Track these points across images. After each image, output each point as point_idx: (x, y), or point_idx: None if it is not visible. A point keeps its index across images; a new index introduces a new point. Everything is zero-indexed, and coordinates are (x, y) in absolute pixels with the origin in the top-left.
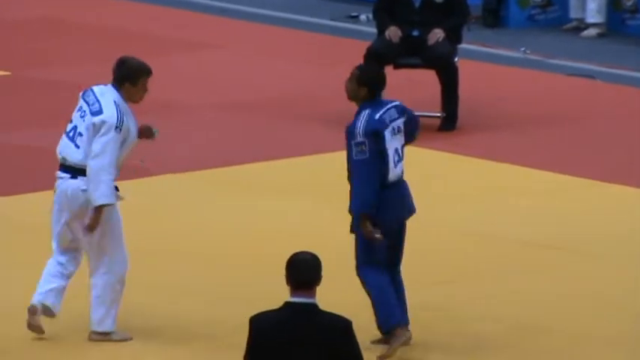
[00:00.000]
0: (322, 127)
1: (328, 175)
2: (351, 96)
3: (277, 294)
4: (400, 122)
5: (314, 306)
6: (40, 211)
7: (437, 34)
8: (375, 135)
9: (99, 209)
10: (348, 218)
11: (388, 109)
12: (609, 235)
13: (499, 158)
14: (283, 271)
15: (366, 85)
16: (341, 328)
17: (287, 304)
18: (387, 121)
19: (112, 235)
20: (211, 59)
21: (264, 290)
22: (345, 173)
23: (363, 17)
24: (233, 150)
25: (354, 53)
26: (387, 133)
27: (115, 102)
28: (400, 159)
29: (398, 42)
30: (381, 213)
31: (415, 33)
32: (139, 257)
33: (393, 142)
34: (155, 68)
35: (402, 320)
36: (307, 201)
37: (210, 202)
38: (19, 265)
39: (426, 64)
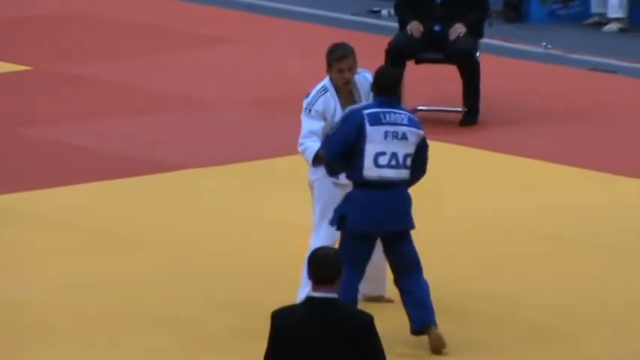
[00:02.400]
0: None
1: None
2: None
3: (294, 287)
4: (409, 131)
5: (336, 300)
6: (61, 205)
7: (458, 29)
8: (351, 119)
9: None
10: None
11: (396, 113)
12: (630, 229)
13: (520, 153)
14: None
15: (375, 83)
16: (363, 322)
17: (309, 298)
18: (383, 120)
19: None
20: (233, 55)
21: (287, 281)
22: None
23: (384, 12)
24: (256, 145)
25: (375, 48)
26: (376, 130)
27: (318, 86)
28: (399, 166)
29: (419, 37)
30: (350, 210)
31: (437, 28)
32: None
33: (385, 144)
34: (177, 64)
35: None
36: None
37: (235, 196)
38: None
39: (448, 59)
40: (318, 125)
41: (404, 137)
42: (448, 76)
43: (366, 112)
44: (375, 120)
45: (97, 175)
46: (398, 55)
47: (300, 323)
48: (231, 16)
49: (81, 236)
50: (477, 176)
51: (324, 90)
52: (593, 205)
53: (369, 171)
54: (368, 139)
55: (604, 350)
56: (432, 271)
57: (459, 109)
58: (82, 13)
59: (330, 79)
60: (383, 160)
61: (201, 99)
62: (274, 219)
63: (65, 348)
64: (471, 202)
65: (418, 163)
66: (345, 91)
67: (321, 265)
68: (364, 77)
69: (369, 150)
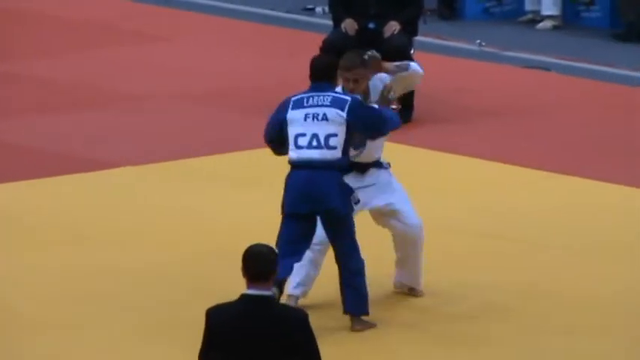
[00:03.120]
0: None
1: (281, 168)
2: None
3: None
4: (329, 112)
5: (270, 298)
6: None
7: (392, 27)
8: (282, 105)
9: None
10: None
11: (321, 95)
12: (565, 227)
13: (455, 150)
14: (240, 263)
15: (309, 71)
16: (297, 320)
17: (243, 296)
18: (305, 104)
19: None
20: (168, 52)
21: (222, 282)
22: None
23: (318, 10)
24: (184, 142)
25: (310, 46)
26: (296, 114)
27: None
28: (320, 146)
29: (354, 34)
30: (285, 191)
31: (371, 25)
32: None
33: (305, 126)
34: (103, 60)
35: None
36: (262, 193)
37: (164, 195)
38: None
39: (382, 57)
40: None
41: (324, 118)
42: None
43: (293, 98)
44: (298, 104)
45: (32, 173)
46: (332, 52)
47: (235, 321)
48: (168, 14)
49: (16, 233)
50: (410, 173)
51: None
52: (530, 204)
53: (292, 152)
54: (289, 122)
55: (538, 352)
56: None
57: (394, 106)
58: (13, 9)
59: None
60: (302, 142)
61: (135, 95)
62: (216, 216)
63: None
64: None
65: (367, 133)
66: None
67: (254, 262)
68: (379, 80)
69: (291, 132)
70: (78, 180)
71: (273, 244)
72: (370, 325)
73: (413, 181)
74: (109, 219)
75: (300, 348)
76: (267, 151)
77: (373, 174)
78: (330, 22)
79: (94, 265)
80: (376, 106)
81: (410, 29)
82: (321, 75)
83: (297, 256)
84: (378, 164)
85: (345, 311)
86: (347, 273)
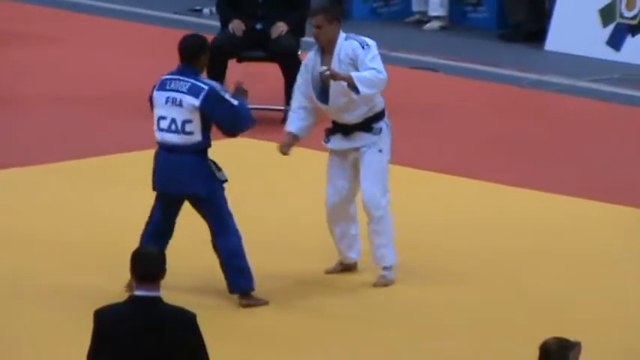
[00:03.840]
0: None
1: None
2: None
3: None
4: (185, 99)
5: (158, 299)
6: None
7: (280, 28)
8: (153, 87)
9: None
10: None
11: (181, 80)
12: (448, 226)
13: None
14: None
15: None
16: (185, 321)
17: (131, 297)
18: (167, 86)
19: None
20: (57, 53)
21: (110, 280)
22: None
23: (206, 11)
24: (71, 143)
25: None
26: (159, 95)
27: None
28: (178, 131)
29: (241, 35)
30: (153, 169)
31: (258, 26)
32: None
33: (166, 109)
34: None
35: None
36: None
37: (51, 196)
38: None
39: (270, 58)
40: (301, 79)
41: (180, 104)
42: (270, 74)
43: (163, 77)
44: (162, 86)
45: None
46: (220, 53)
47: (124, 322)
48: (54, 15)
49: None
50: (292, 174)
51: (315, 47)
52: (414, 202)
53: (155, 133)
54: (154, 102)
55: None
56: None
57: (281, 107)
58: None
59: None
60: (164, 124)
61: (25, 97)
62: (107, 215)
63: None
64: (283, 199)
65: (221, 125)
66: (328, 50)
67: (141, 264)
68: (349, 43)
69: (155, 113)
70: None
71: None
72: (260, 302)
73: (292, 180)
74: None
75: (188, 348)
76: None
77: (358, 137)
78: (217, 24)
79: None
80: (235, 102)
81: (297, 30)
82: (187, 55)
83: (163, 237)
84: (366, 127)
85: (230, 292)
86: (222, 253)
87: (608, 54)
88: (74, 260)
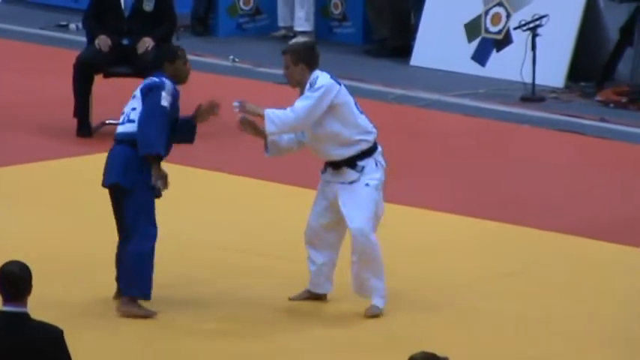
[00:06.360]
0: (31, 135)
1: (44, 183)
2: None
3: None
4: (137, 90)
5: (25, 315)
6: None
7: (146, 43)
8: None
9: None
10: (75, 225)
11: (148, 79)
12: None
13: (226, 169)
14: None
15: None
16: (51, 336)
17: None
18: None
19: None
20: None
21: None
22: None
23: (72, 26)
24: None
25: (64, 62)
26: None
27: None
28: (124, 121)
29: (108, 51)
30: None
31: (125, 42)
32: None
33: (128, 105)
34: None
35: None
36: (34, 208)
37: None
38: None
39: (136, 73)
40: None
41: (134, 96)
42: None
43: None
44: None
45: None
46: (86, 68)
47: None
48: None
49: None
50: (183, 194)
51: None
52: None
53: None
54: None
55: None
56: None
57: None
58: None
59: None
60: (121, 118)
61: None
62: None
63: None
64: (174, 217)
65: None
66: (301, 91)
67: (7, 281)
68: (313, 76)
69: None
70: None
71: (33, 256)
72: (143, 314)
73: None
74: None
75: None
76: (22, 169)
77: (344, 173)
78: (84, 39)
79: None
80: (164, 104)
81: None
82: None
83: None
84: (351, 164)
85: (122, 294)
86: (125, 252)
87: (474, 69)
88: None
